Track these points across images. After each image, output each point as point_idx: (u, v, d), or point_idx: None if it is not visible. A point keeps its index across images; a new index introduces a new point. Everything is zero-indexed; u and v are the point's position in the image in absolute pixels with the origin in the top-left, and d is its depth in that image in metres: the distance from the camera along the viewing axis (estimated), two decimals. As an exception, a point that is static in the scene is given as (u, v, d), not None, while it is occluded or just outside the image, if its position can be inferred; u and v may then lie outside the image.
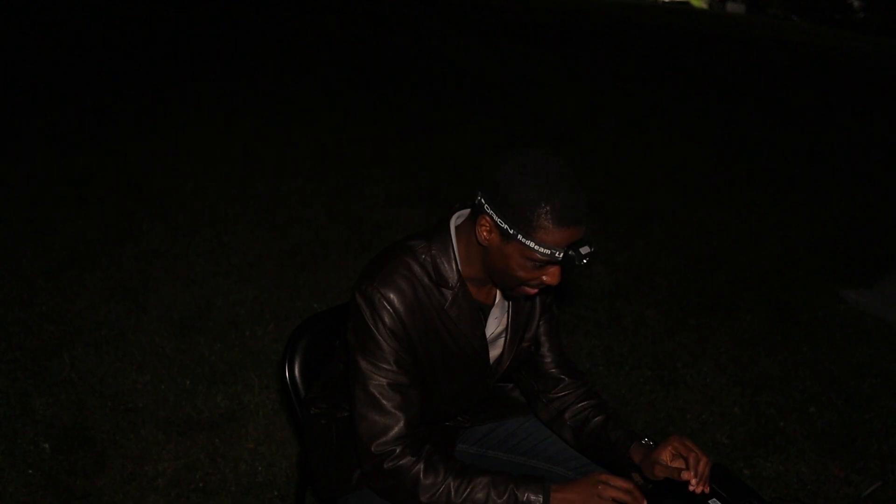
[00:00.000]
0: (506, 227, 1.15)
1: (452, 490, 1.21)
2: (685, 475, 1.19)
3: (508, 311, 1.39)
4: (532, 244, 1.13)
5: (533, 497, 1.19)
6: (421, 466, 1.22)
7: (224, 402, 2.49)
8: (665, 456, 1.24)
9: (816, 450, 2.56)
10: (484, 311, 1.34)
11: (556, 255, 1.14)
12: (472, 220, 1.25)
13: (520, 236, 1.14)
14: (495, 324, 1.37)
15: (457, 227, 1.30)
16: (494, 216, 1.16)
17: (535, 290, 1.24)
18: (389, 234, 3.94)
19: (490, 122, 6.63)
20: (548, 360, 1.48)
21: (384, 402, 1.23)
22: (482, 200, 1.18)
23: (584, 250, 1.14)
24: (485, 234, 1.19)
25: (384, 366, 1.23)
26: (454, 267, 1.27)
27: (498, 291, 1.36)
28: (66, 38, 8.32)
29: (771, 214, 5.04)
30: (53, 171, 4.36)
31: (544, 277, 1.20)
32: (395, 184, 4.70)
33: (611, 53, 12.76)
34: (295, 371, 1.53)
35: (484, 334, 1.34)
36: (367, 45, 9.87)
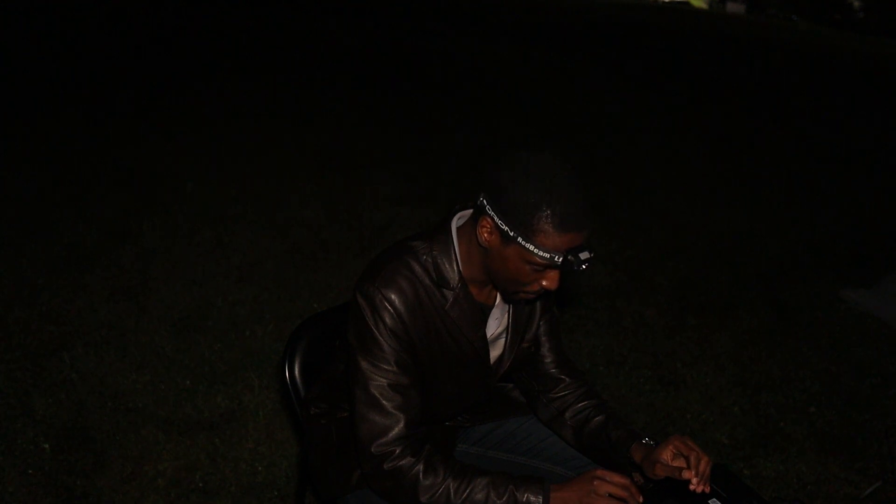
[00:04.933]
0: (506, 229, 1.14)
1: (452, 491, 1.21)
2: (686, 474, 1.19)
3: (509, 312, 1.39)
4: (531, 247, 1.13)
5: (532, 498, 1.19)
6: (420, 467, 1.22)
7: (224, 402, 2.49)
8: (666, 455, 1.24)
9: (816, 450, 2.56)
10: (484, 312, 1.34)
11: (556, 259, 1.14)
12: (473, 222, 1.25)
13: (520, 239, 1.13)
14: (496, 324, 1.37)
15: (458, 228, 1.30)
16: (495, 218, 1.16)
17: (535, 296, 1.24)
18: (389, 234, 3.94)
19: (490, 123, 6.63)
20: (548, 360, 1.48)
21: (384, 402, 1.23)
22: (484, 202, 1.18)
23: (584, 256, 1.14)
24: (485, 235, 1.19)
25: (385, 366, 1.23)
26: (455, 268, 1.27)
27: (497, 292, 1.36)
28: (66, 38, 8.31)
29: (771, 214, 5.05)
30: (53, 171, 4.36)
31: (543, 282, 1.20)
32: (395, 184, 4.70)
33: (611, 53, 12.76)
34: (295, 371, 1.53)
35: (485, 335, 1.34)
36: (367, 46, 9.87)
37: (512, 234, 1.14)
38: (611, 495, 1.17)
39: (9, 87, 6.16)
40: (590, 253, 1.15)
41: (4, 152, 4.63)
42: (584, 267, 1.14)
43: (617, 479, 1.18)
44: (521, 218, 1.12)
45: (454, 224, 1.30)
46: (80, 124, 5.29)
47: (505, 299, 1.36)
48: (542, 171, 1.13)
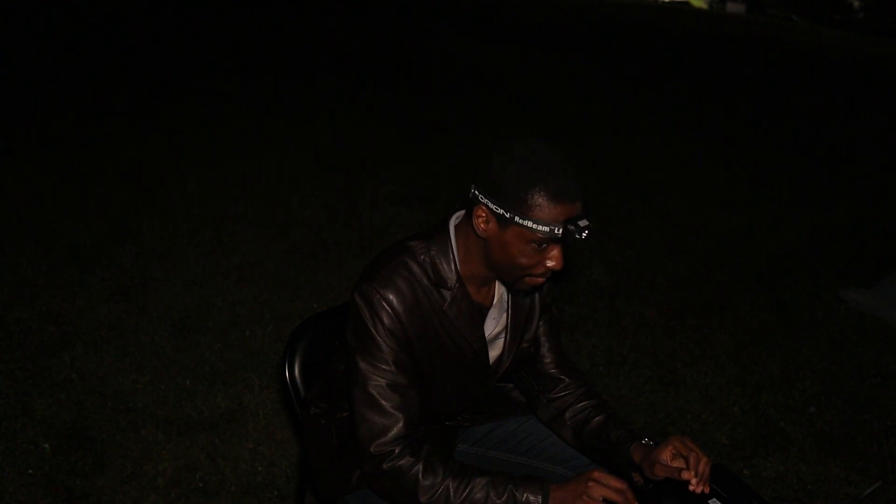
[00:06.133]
0: (502, 212, 1.15)
1: (451, 490, 1.21)
2: (685, 475, 1.19)
3: (508, 311, 1.39)
4: (530, 223, 1.13)
5: (532, 498, 1.19)
6: (420, 467, 1.22)
7: (224, 402, 2.49)
8: (665, 455, 1.24)
9: (816, 450, 2.56)
10: (482, 312, 1.34)
11: (556, 230, 1.13)
12: (468, 216, 1.25)
13: (517, 218, 1.14)
14: (493, 324, 1.37)
15: (455, 227, 1.30)
16: (490, 204, 1.16)
17: (542, 280, 1.23)
18: (389, 234, 3.94)
19: (490, 123, 6.63)
20: (548, 360, 1.48)
21: (383, 402, 1.23)
22: (476, 192, 1.18)
23: (583, 223, 1.14)
24: (482, 224, 1.19)
25: (383, 366, 1.23)
26: (453, 267, 1.27)
27: (496, 292, 1.36)
28: (66, 38, 8.31)
29: (771, 214, 5.05)
30: (53, 171, 4.36)
31: (548, 262, 1.19)
32: (395, 184, 4.70)
33: (611, 54, 12.76)
34: (295, 371, 1.53)
35: (483, 335, 1.34)
36: (367, 46, 9.87)
37: (508, 215, 1.14)
38: (605, 498, 1.16)
39: (9, 87, 6.16)
40: (588, 220, 1.15)
41: (4, 152, 4.63)
42: (585, 234, 1.14)
43: (614, 482, 1.16)
44: (514, 198, 1.13)
45: (452, 224, 1.30)
46: (80, 124, 5.29)
47: (512, 290, 1.36)
48: (527, 151, 1.15)
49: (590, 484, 1.16)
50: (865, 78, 14.87)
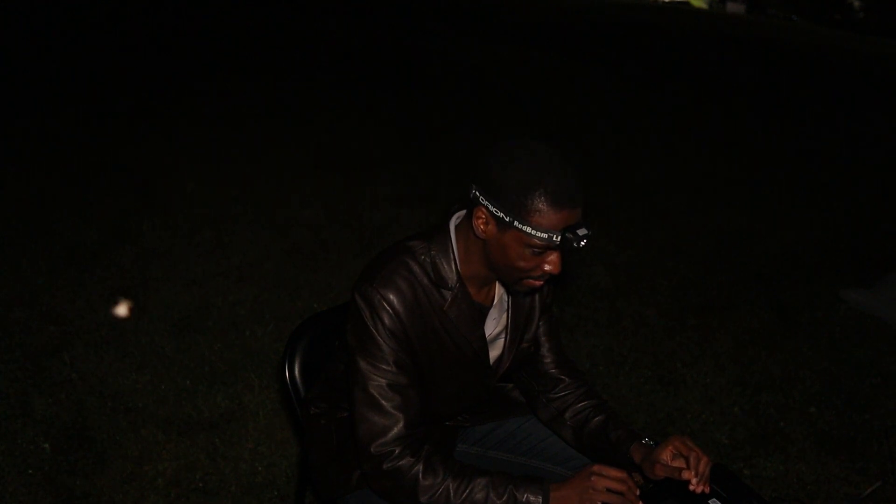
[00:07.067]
0: (501, 215, 1.14)
1: (451, 491, 1.21)
2: (686, 474, 1.19)
3: (508, 312, 1.39)
4: (528, 229, 1.13)
5: (532, 498, 1.19)
6: (420, 467, 1.22)
7: (224, 402, 2.49)
8: (665, 455, 1.24)
9: (816, 450, 2.56)
10: (483, 312, 1.34)
11: (554, 238, 1.13)
12: (468, 216, 1.25)
13: (516, 222, 1.13)
14: (494, 324, 1.37)
15: (456, 227, 1.30)
16: (490, 206, 1.15)
17: (541, 283, 1.23)
18: (389, 234, 3.94)
19: (490, 124, 6.63)
20: (548, 360, 1.48)
21: (383, 402, 1.23)
22: (476, 193, 1.18)
23: (581, 232, 1.13)
24: (482, 226, 1.19)
25: (383, 366, 1.23)
26: (453, 267, 1.27)
27: (496, 292, 1.36)
28: (66, 38, 8.31)
29: (771, 214, 5.05)
30: (53, 171, 4.36)
31: (546, 266, 1.19)
32: (396, 184, 4.70)
33: (611, 54, 12.76)
34: (295, 371, 1.53)
35: (483, 335, 1.34)
36: (367, 46, 9.87)
37: (507, 219, 1.14)
38: (609, 489, 1.17)
39: (9, 87, 6.16)
40: (587, 230, 1.15)
41: (4, 152, 4.63)
42: (583, 243, 1.13)
43: (614, 473, 1.17)
44: (514, 201, 1.12)
45: (452, 224, 1.29)
46: (80, 124, 5.29)
47: (510, 291, 1.36)
48: (529, 154, 1.14)
49: (592, 478, 1.17)
50: (865, 78, 14.87)
